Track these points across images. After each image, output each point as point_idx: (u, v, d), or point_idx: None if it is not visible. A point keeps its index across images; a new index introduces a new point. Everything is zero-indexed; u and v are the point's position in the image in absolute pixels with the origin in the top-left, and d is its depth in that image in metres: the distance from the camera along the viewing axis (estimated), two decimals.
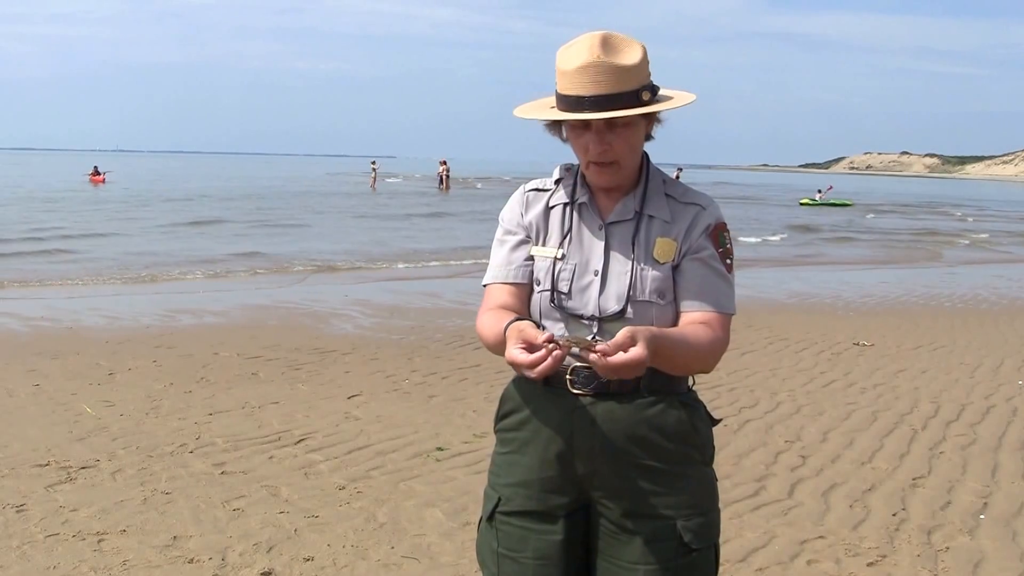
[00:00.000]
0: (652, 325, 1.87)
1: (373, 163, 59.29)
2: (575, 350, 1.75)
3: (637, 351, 1.68)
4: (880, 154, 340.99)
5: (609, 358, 1.68)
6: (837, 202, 43.35)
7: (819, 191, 45.72)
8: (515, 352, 1.73)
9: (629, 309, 1.90)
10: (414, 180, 62.27)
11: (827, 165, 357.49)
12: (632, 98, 1.84)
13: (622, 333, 1.70)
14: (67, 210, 28.01)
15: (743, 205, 40.22)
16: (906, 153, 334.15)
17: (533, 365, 1.70)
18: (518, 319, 1.82)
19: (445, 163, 51.28)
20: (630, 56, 1.85)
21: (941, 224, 32.65)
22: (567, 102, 1.86)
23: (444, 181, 49.98)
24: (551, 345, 1.71)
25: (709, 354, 1.89)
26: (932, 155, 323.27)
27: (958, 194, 74.24)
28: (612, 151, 1.88)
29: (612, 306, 1.90)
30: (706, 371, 1.94)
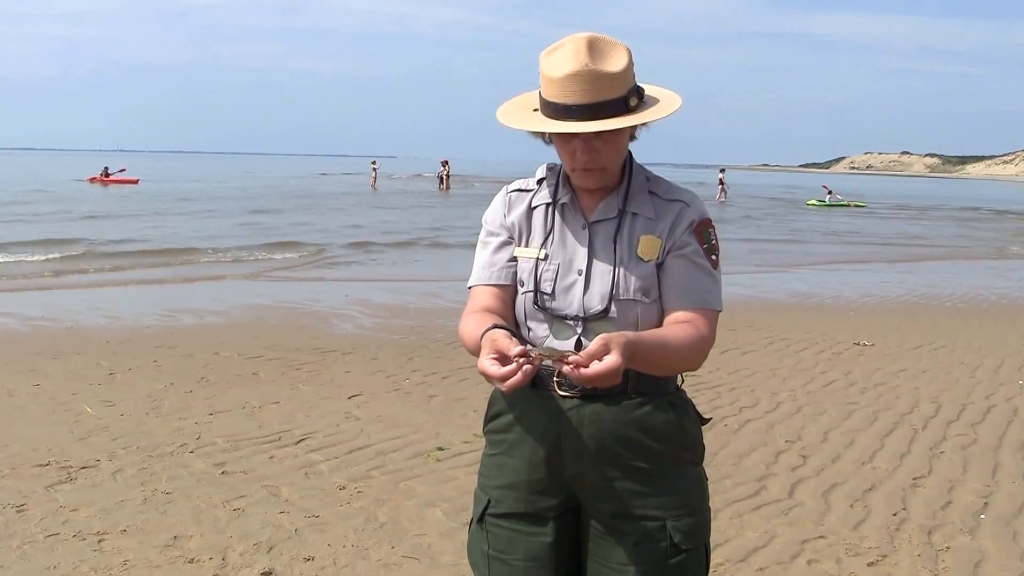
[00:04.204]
0: (636, 324, 1.86)
1: (374, 163, 59.25)
2: (548, 362, 1.71)
3: (612, 359, 1.64)
4: (880, 154, 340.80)
5: (583, 369, 1.65)
6: (848, 203, 42.43)
7: (828, 192, 43.89)
8: (487, 364, 1.70)
9: (612, 308, 1.88)
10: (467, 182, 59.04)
11: (827, 165, 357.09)
12: (620, 105, 1.81)
13: (596, 342, 1.66)
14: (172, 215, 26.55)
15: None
16: (906, 153, 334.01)
17: (504, 379, 1.67)
18: (495, 326, 1.78)
19: (447, 163, 51.26)
20: (617, 62, 1.82)
21: None
22: (553, 109, 1.83)
23: (444, 181, 49.97)
24: (522, 360, 1.67)
25: (692, 353, 1.85)
26: (932, 155, 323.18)
27: (976, 194, 73.64)
28: (599, 158, 1.86)
29: (596, 305, 1.88)
30: (691, 370, 1.92)
